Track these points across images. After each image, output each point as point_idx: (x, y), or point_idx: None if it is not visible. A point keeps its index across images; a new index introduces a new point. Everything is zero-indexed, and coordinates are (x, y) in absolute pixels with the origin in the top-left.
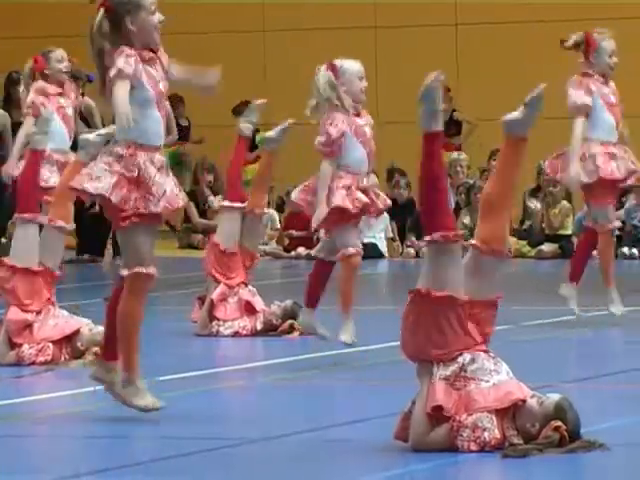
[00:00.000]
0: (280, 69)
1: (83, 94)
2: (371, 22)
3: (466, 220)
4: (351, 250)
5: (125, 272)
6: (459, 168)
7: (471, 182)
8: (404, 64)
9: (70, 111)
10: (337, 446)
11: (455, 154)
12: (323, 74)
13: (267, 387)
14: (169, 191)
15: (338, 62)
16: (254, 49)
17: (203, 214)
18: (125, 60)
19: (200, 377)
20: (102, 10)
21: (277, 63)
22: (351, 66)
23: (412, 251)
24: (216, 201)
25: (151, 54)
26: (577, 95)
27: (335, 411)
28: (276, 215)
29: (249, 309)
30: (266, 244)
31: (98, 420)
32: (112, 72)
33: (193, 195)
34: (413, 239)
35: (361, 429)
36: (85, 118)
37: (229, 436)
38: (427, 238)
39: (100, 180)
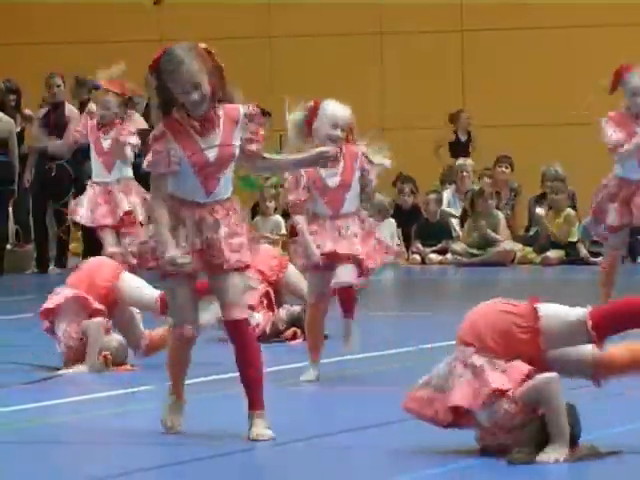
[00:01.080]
0: (286, 75)
1: (89, 99)
2: (377, 28)
3: (472, 225)
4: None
5: None
6: (465, 174)
7: (477, 188)
8: (410, 70)
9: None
10: (345, 452)
11: (461, 160)
12: (295, 113)
13: (273, 393)
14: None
15: (325, 102)
16: (260, 55)
17: None
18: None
19: (206, 383)
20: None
21: (284, 69)
22: (330, 110)
23: (418, 257)
24: None
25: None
26: None
27: (341, 417)
28: (282, 220)
29: (268, 305)
30: None
31: (111, 426)
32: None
33: None
34: (419, 245)
35: (369, 435)
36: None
37: (236, 442)
38: None
39: None
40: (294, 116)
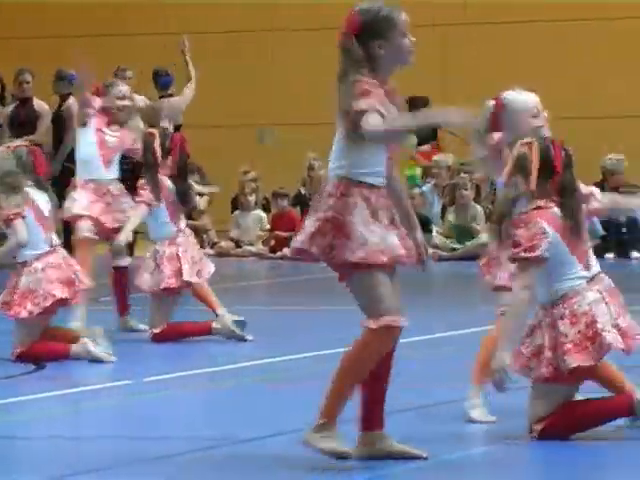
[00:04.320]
0: (287, 69)
1: (70, 94)
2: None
3: (451, 218)
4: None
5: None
6: (442, 169)
7: (454, 182)
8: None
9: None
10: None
11: (438, 156)
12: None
13: (253, 387)
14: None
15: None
16: (262, 49)
17: (189, 214)
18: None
19: (184, 377)
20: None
21: (284, 63)
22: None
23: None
24: (202, 202)
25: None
26: None
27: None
28: (264, 215)
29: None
30: (252, 245)
31: (88, 421)
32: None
33: None
34: None
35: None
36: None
37: (213, 437)
38: None
39: None
40: (474, 122)
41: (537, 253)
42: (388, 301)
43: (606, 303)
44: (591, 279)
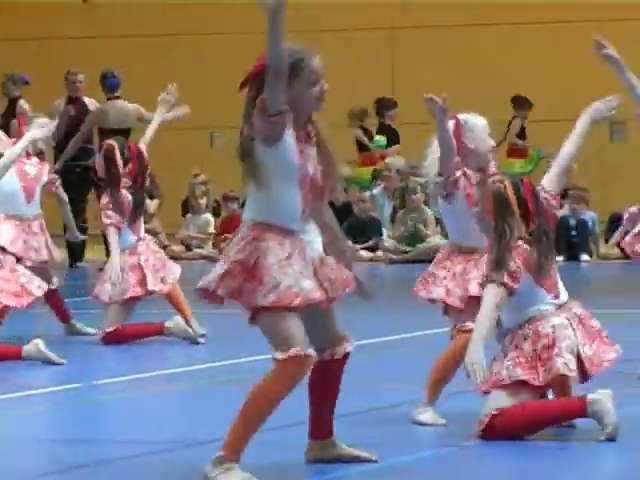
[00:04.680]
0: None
1: (20, 97)
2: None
3: (402, 221)
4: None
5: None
6: (393, 172)
7: (404, 185)
8: (341, 67)
9: None
10: (269, 449)
11: (389, 159)
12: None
13: (206, 390)
14: None
15: (463, 116)
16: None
17: None
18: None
19: (137, 380)
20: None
21: (235, 65)
22: (478, 121)
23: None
24: (152, 205)
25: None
26: None
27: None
28: (212, 219)
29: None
30: (201, 247)
31: (38, 424)
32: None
33: None
34: (349, 243)
35: (294, 432)
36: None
37: (166, 439)
38: None
39: None
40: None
41: (516, 285)
42: (295, 333)
43: (573, 329)
44: (560, 307)
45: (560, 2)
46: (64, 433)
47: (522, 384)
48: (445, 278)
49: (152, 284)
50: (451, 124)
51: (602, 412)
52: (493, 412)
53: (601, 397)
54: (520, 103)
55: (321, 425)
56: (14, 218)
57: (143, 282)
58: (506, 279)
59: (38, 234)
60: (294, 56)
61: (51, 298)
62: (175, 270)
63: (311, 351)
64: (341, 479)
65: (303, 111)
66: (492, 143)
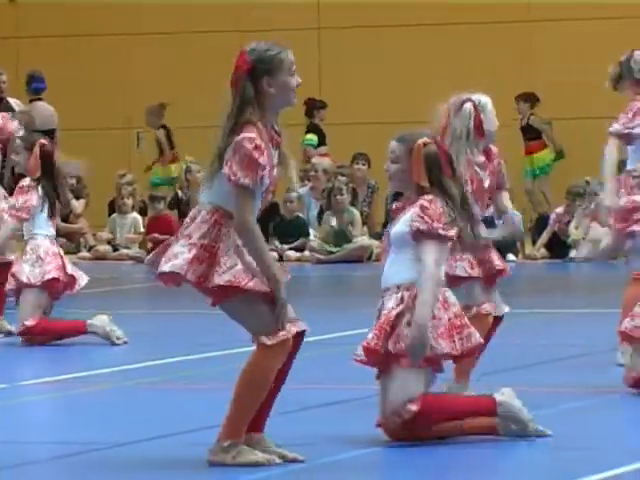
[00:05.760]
0: (160, 72)
1: None
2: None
3: (328, 222)
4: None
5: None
6: (320, 173)
7: (330, 185)
8: None
9: None
10: (200, 450)
11: (315, 159)
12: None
13: (130, 391)
14: None
15: (476, 98)
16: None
17: (65, 218)
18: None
19: (60, 381)
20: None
21: (159, 66)
22: (488, 103)
23: (275, 255)
24: (79, 205)
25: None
26: None
27: (199, 415)
28: (140, 218)
29: None
30: (128, 248)
31: None
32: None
33: None
34: (276, 243)
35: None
36: None
37: (88, 441)
38: None
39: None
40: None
41: (452, 233)
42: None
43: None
44: None
45: (462, 4)
46: None
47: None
48: None
49: (71, 269)
50: (470, 106)
51: (514, 410)
52: (412, 407)
53: (507, 397)
54: (529, 99)
55: (257, 417)
56: None
57: (63, 268)
58: (445, 232)
59: None
60: (274, 49)
61: None
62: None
63: (298, 326)
64: (272, 478)
65: (282, 102)
66: (497, 123)
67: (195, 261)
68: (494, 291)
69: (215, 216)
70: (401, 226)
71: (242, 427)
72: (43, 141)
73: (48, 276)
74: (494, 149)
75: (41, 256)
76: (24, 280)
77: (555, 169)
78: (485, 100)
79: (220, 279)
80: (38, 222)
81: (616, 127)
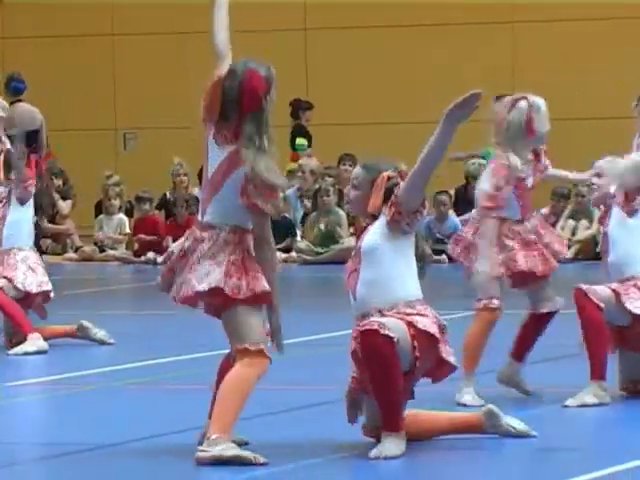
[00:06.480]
0: (149, 72)
1: None
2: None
3: (315, 223)
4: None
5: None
6: (307, 174)
7: (317, 186)
8: None
9: None
10: (188, 450)
11: (302, 160)
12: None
13: (117, 391)
14: None
15: (531, 98)
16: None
17: (52, 219)
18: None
19: (47, 382)
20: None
21: (145, 67)
22: (542, 104)
23: None
24: (65, 206)
25: None
26: None
27: (187, 415)
28: (126, 219)
29: None
30: (115, 249)
31: None
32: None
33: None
34: None
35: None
36: None
37: (74, 441)
38: None
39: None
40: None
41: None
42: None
43: None
44: None
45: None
46: None
47: None
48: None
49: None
50: (524, 104)
51: (498, 418)
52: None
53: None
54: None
55: None
56: None
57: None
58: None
59: None
60: (268, 68)
61: None
62: None
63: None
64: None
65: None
66: (549, 126)
67: (227, 276)
68: (547, 286)
69: (237, 235)
70: (372, 235)
71: (230, 428)
72: (8, 147)
73: (44, 287)
74: (544, 149)
75: (31, 266)
76: (20, 287)
77: None
78: (539, 101)
79: (258, 286)
80: (27, 231)
81: None
